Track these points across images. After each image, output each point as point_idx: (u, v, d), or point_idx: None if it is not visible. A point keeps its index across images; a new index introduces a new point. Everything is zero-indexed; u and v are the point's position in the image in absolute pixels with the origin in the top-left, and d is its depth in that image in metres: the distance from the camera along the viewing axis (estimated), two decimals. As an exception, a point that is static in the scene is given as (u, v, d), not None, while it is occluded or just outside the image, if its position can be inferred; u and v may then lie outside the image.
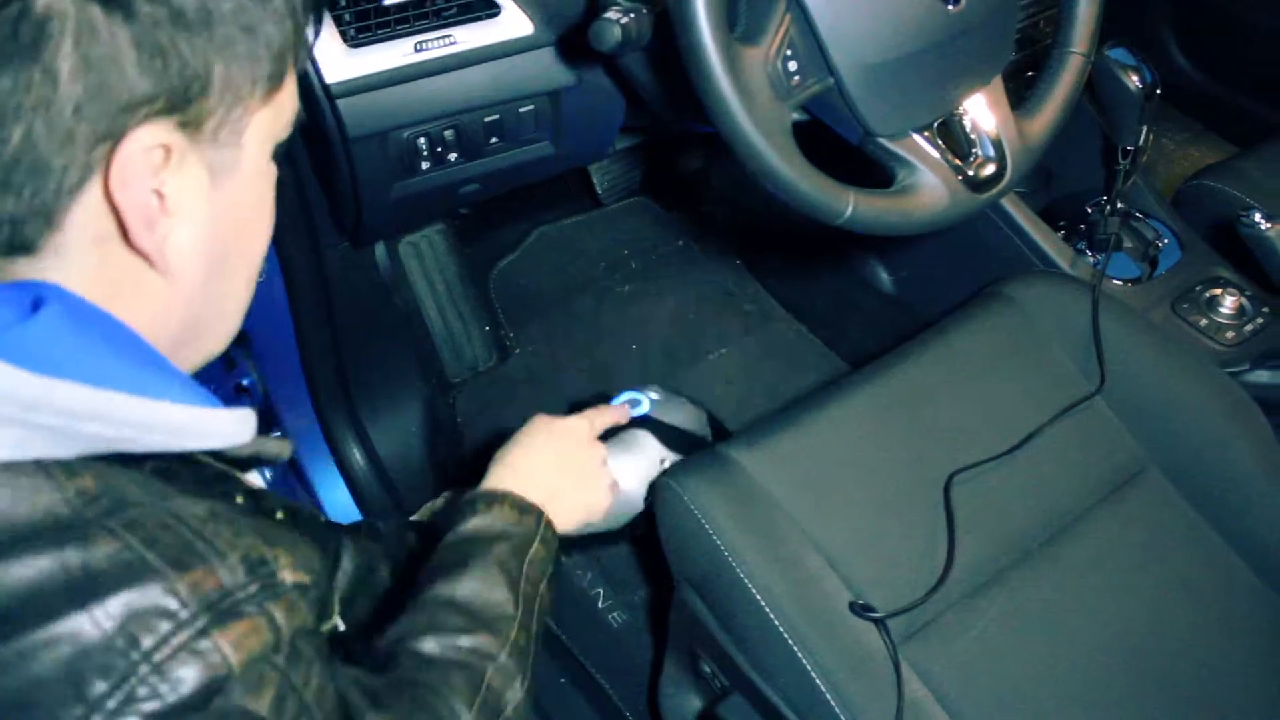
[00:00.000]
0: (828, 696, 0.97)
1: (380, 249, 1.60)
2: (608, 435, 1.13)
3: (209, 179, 0.54)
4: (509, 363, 1.82)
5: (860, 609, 1.01)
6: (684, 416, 1.23)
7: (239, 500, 0.58)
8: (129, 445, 0.49)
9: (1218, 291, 1.39)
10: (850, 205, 0.91)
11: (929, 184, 0.97)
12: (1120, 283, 1.42)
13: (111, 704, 0.44)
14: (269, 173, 0.60)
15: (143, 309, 0.55)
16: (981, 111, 1.00)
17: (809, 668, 0.98)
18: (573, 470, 0.99)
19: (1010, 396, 1.20)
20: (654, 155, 2.01)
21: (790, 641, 0.99)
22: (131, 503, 0.48)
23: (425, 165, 1.17)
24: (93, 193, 0.50)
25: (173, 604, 0.46)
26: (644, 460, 1.14)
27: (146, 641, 0.45)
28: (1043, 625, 1.06)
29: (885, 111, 0.94)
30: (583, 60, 1.14)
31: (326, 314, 1.40)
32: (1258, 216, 1.14)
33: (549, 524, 0.89)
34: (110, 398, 0.48)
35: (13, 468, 0.47)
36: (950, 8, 0.93)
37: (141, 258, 0.53)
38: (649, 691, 1.38)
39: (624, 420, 1.16)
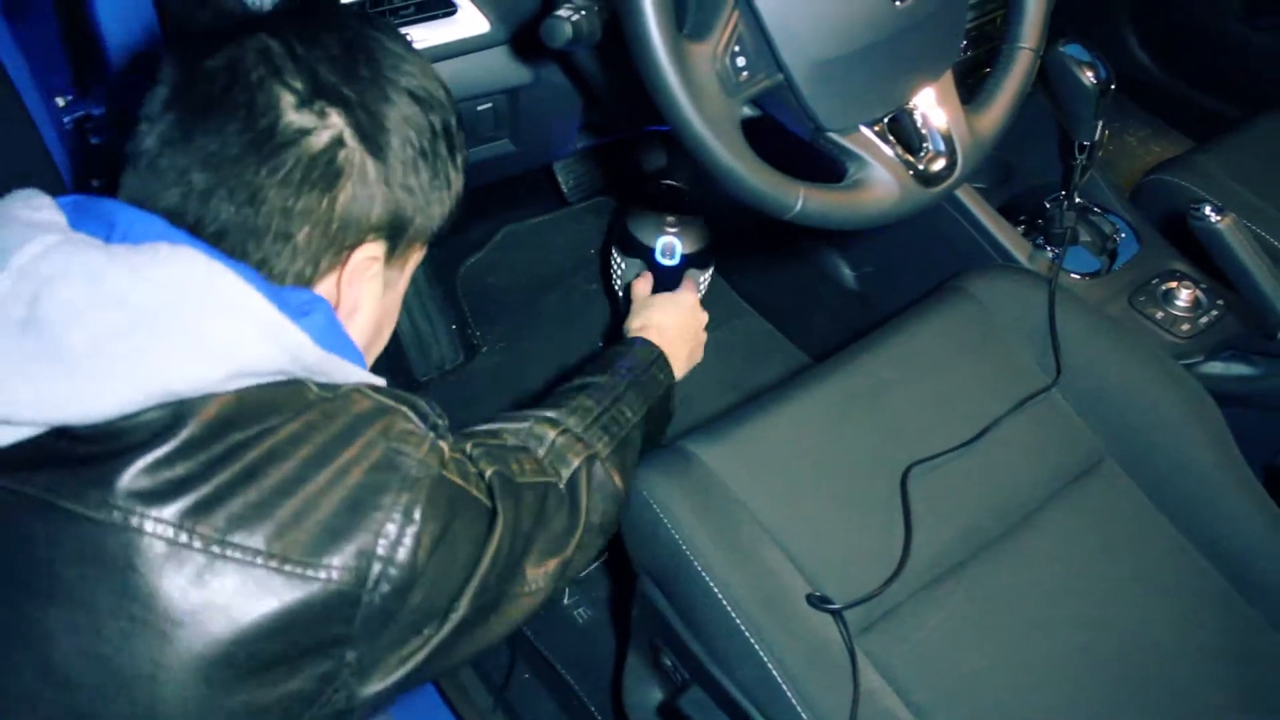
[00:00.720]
0: (784, 687, 0.98)
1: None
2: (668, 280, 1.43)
3: (383, 289, 0.77)
4: (476, 361, 1.83)
5: (817, 600, 1.02)
6: (697, 235, 1.51)
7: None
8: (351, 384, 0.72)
9: (1174, 285, 1.41)
10: (800, 199, 0.92)
11: (880, 178, 0.97)
12: (1079, 276, 1.43)
13: (404, 486, 0.68)
14: (404, 291, 0.84)
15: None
16: (932, 107, 1.01)
17: (766, 659, 0.99)
18: (694, 336, 1.26)
19: (968, 389, 1.21)
20: (618, 155, 2.01)
21: (747, 633, 0.99)
22: (349, 385, 0.70)
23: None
24: (330, 279, 0.73)
25: (413, 426, 0.71)
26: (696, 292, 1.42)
27: (410, 450, 0.69)
28: (999, 615, 1.07)
29: (835, 107, 0.94)
30: (539, 58, 1.14)
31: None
32: (1207, 209, 1.15)
33: (667, 361, 1.13)
34: (348, 367, 0.70)
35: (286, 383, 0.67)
36: (897, 4, 0.93)
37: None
38: (613, 686, 1.39)
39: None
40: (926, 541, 1.09)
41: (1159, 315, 1.39)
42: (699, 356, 1.27)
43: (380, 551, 0.65)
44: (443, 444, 0.73)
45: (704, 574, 1.02)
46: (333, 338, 0.70)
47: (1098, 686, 1.05)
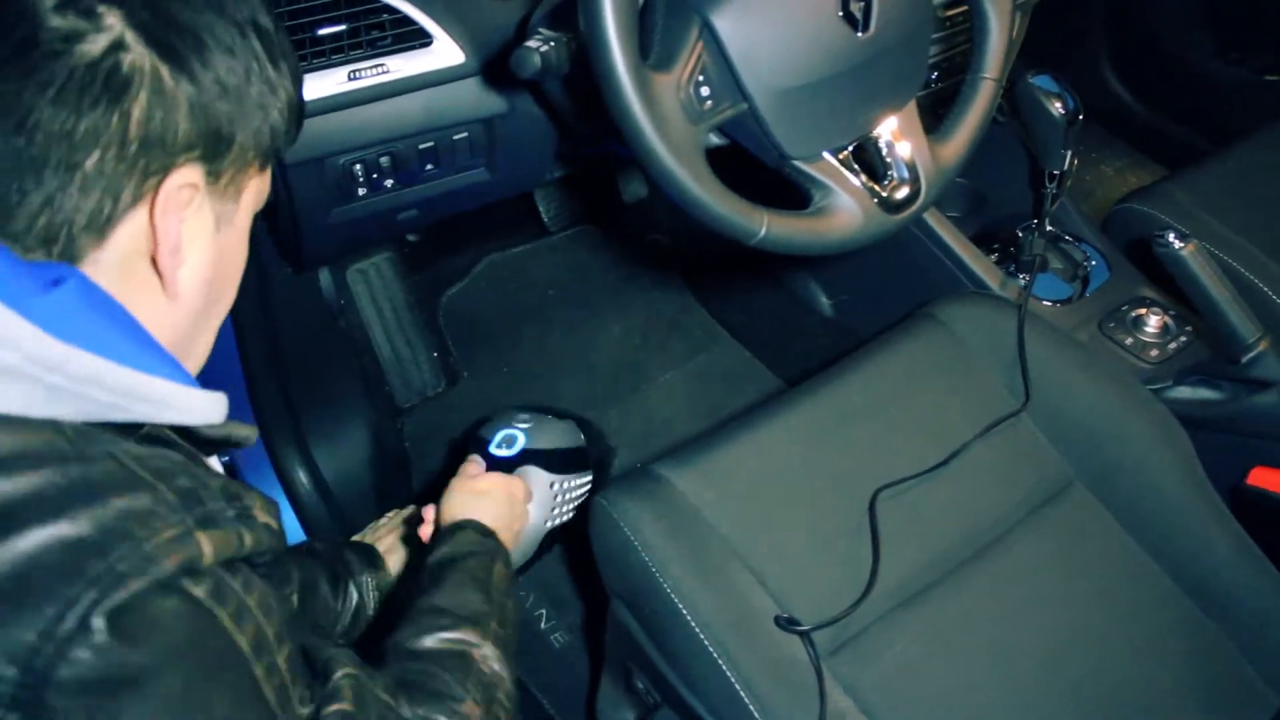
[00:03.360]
0: (752, 708, 0.98)
1: (325, 275, 1.62)
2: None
3: (214, 225, 0.67)
4: (457, 389, 1.84)
5: (785, 622, 1.03)
6: (557, 435, 1.35)
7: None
8: (119, 414, 0.57)
9: (1143, 311, 1.43)
10: (764, 226, 0.93)
11: (844, 205, 0.99)
12: (1050, 303, 1.45)
13: (104, 582, 0.51)
14: (248, 231, 0.73)
15: (146, 319, 0.63)
16: (896, 135, 1.03)
17: (734, 681, 0.99)
18: (514, 523, 1.14)
19: (938, 414, 1.22)
20: (599, 184, 2.04)
21: (715, 655, 1.00)
22: (123, 447, 0.56)
23: (362, 191, 1.19)
24: (137, 217, 0.62)
25: (162, 509, 0.54)
26: (538, 495, 1.28)
27: (139, 533, 0.53)
28: (967, 638, 1.08)
29: (799, 135, 0.96)
30: (513, 88, 1.16)
31: (271, 337, 1.41)
32: (1172, 236, 1.17)
33: (504, 546, 1.04)
34: (113, 368, 0.56)
35: (19, 420, 0.53)
36: (859, 35, 0.96)
37: (157, 277, 0.64)
38: (587, 709, 1.39)
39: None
40: (894, 564, 1.09)
41: (1128, 341, 1.41)
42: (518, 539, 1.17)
43: (38, 658, 0.49)
44: (204, 541, 0.55)
45: (673, 596, 1.02)
46: (93, 326, 0.57)
47: (1065, 708, 1.06)
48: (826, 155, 0.99)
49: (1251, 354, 1.20)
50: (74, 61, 0.57)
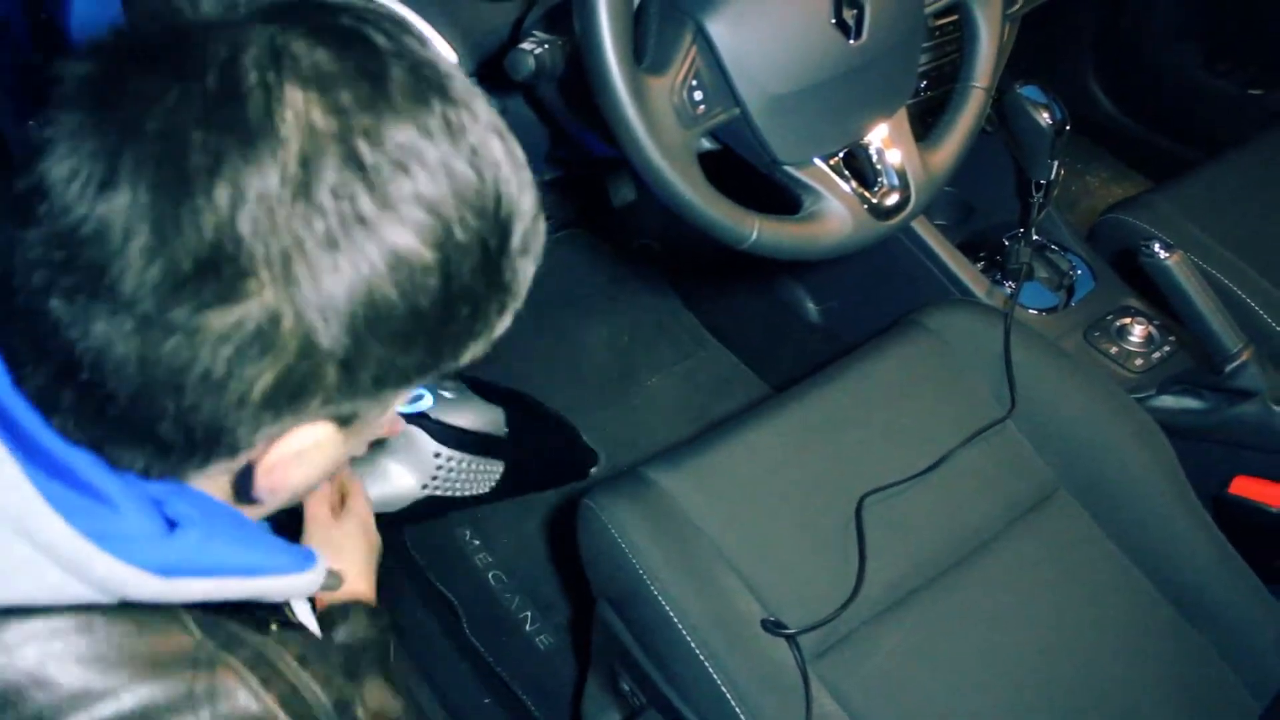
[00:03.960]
0: (738, 711, 0.99)
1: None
2: None
3: (344, 441, 0.57)
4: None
5: (772, 625, 1.04)
6: (470, 417, 1.29)
7: (273, 628, 0.61)
8: (234, 597, 0.55)
9: (1128, 321, 1.44)
10: (755, 230, 0.94)
11: (834, 211, 1.00)
12: (1036, 312, 1.46)
13: None
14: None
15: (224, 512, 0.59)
16: (887, 142, 1.04)
17: (720, 683, 1.00)
18: (366, 548, 0.98)
19: (924, 421, 1.23)
20: (588, 188, 2.04)
21: (703, 658, 1.01)
22: (240, 639, 0.55)
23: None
24: (241, 460, 0.54)
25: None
26: (415, 459, 1.22)
27: None
28: (952, 643, 1.09)
29: (790, 140, 0.97)
30: (506, 91, 1.16)
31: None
32: (1156, 246, 1.18)
33: (387, 616, 0.94)
34: (234, 583, 0.54)
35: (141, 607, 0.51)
36: (851, 42, 0.96)
37: (245, 498, 0.58)
38: (572, 711, 1.39)
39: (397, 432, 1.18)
40: (881, 569, 1.10)
41: (1113, 350, 1.42)
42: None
43: None
44: None
45: (660, 599, 1.03)
46: (207, 554, 0.53)
47: (1049, 713, 1.06)
48: (817, 161, 1.00)
49: (1234, 364, 1.21)
50: (212, 324, 0.46)
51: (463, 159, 0.50)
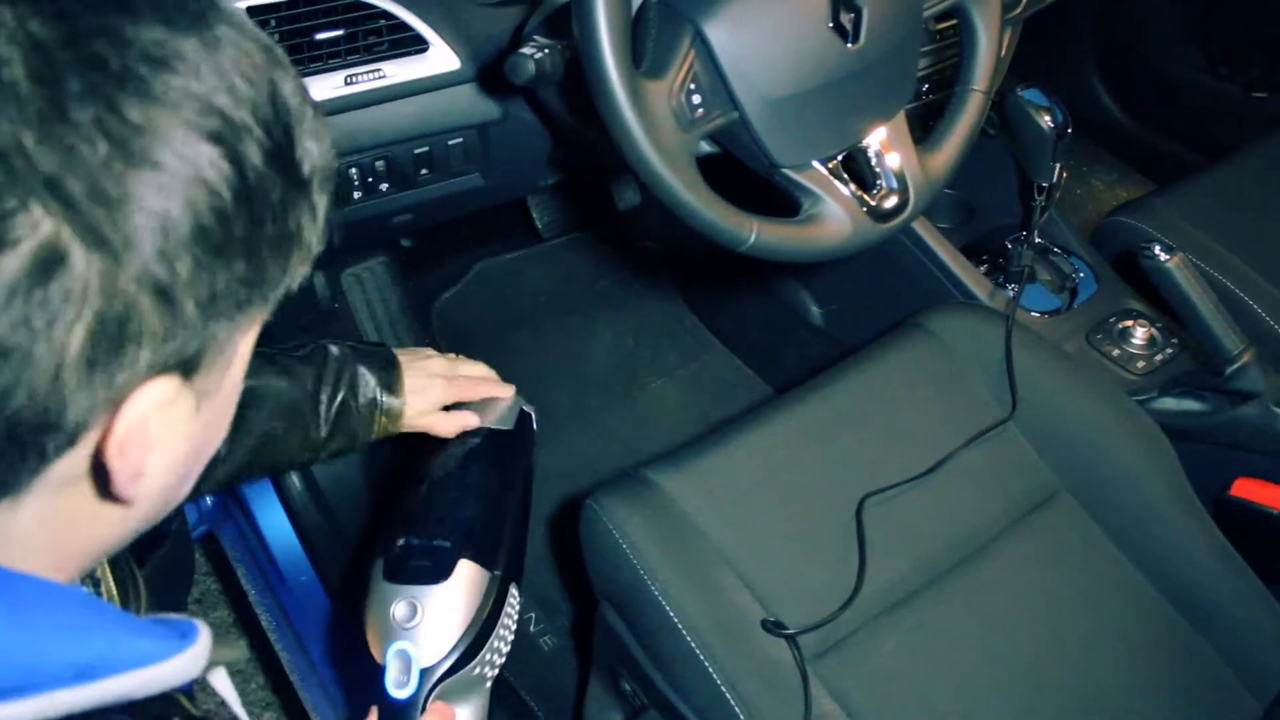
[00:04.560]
0: (738, 711, 0.99)
1: (321, 279, 1.63)
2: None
3: (194, 409, 0.49)
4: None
5: (772, 626, 1.04)
6: (452, 615, 0.93)
7: None
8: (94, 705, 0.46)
9: (1130, 323, 1.45)
10: (754, 233, 0.95)
11: (833, 214, 1.00)
12: (1038, 314, 1.47)
13: None
14: (245, 368, 0.55)
15: (98, 529, 0.51)
16: (885, 145, 1.04)
17: (720, 683, 1.00)
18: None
19: (925, 422, 1.23)
20: (593, 191, 2.05)
21: (703, 658, 1.01)
22: None
23: (357, 194, 1.21)
24: (81, 451, 0.46)
25: None
26: (473, 702, 0.97)
27: None
28: (952, 644, 1.09)
29: (789, 143, 0.98)
30: (508, 95, 1.17)
31: (264, 339, 1.42)
32: (1158, 249, 1.19)
33: None
34: (48, 701, 0.44)
35: None
36: (849, 46, 0.97)
37: (106, 500, 0.49)
38: (575, 712, 1.40)
39: None
40: (881, 570, 1.10)
41: (1115, 352, 1.42)
42: None
43: None
44: None
45: (661, 600, 1.03)
46: (14, 646, 0.44)
47: (1049, 714, 1.07)
48: (816, 164, 1.01)
49: (1235, 366, 1.22)
50: None
51: (223, 50, 0.45)
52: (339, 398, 0.99)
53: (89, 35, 0.40)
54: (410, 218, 1.30)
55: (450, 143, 1.20)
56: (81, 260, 0.40)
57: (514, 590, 0.98)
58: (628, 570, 1.06)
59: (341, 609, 1.45)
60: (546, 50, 0.96)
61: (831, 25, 0.96)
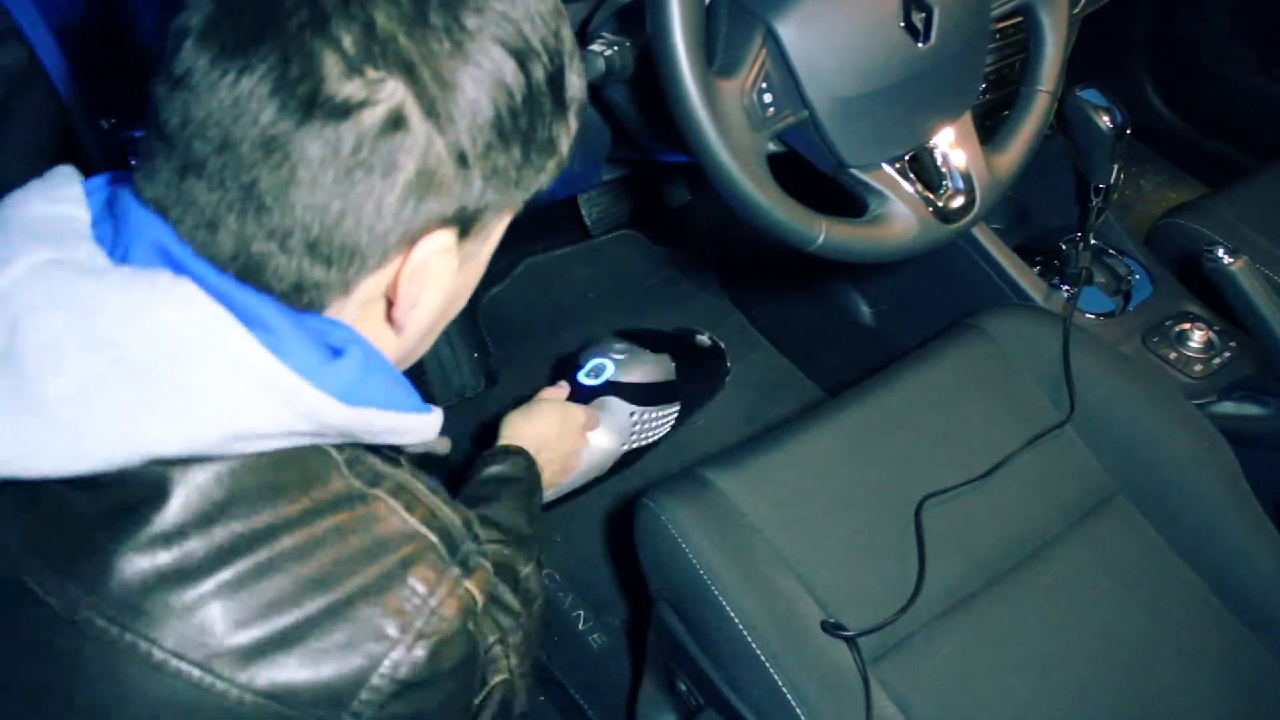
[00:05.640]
0: (799, 712, 0.99)
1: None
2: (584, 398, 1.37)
3: (458, 267, 0.64)
4: (496, 390, 1.85)
5: (832, 627, 1.04)
6: (647, 369, 1.46)
7: (403, 464, 0.71)
8: (370, 439, 0.63)
9: (1187, 326, 1.43)
10: (823, 233, 0.94)
11: (900, 214, 1.00)
12: (1093, 316, 1.45)
13: (406, 638, 0.60)
14: (492, 251, 0.71)
15: (381, 349, 0.66)
16: (951, 146, 1.04)
17: (781, 684, 1.00)
18: (565, 446, 1.25)
19: (982, 425, 1.22)
20: (642, 189, 2.05)
21: (763, 658, 1.01)
22: (381, 473, 0.64)
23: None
24: (383, 274, 0.61)
25: (437, 562, 0.63)
26: (615, 423, 1.38)
27: (422, 589, 0.62)
28: (1011, 647, 1.08)
29: (857, 143, 0.97)
30: (569, 92, 1.17)
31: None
32: (1221, 252, 1.18)
33: (539, 477, 1.13)
34: (382, 415, 0.61)
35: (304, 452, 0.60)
36: (920, 45, 0.97)
37: (389, 322, 0.66)
38: (627, 711, 1.40)
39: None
40: (939, 572, 1.10)
41: (1172, 356, 1.41)
42: (563, 480, 1.27)
43: (355, 705, 0.60)
44: (469, 585, 0.65)
45: (721, 599, 1.03)
46: (369, 385, 0.61)
47: (1106, 718, 1.06)
48: (883, 164, 1.00)
49: (1299, 371, 1.21)
50: (347, 133, 0.54)
51: None
52: None
53: None
54: (467, 215, 1.30)
55: (510, 141, 1.20)
56: (418, 123, 0.56)
57: (672, 417, 1.52)
58: (686, 569, 1.06)
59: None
60: (616, 47, 0.96)
61: (903, 25, 0.96)
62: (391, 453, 0.68)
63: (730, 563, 1.06)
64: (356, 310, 0.63)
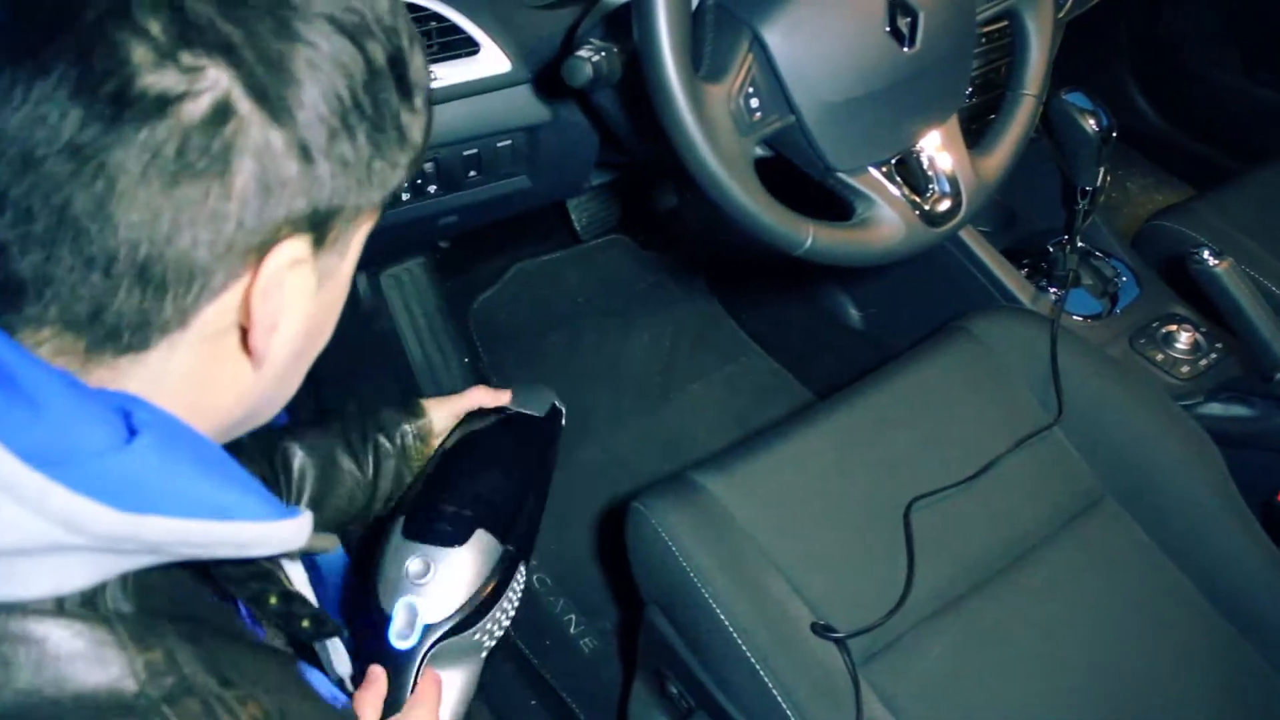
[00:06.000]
0: (789, 714, 0.99)
1: (361, 279, 1.64)
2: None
3: (316, 285, 0.56)
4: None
5: (821, 629, 1.04)
6: (462, 579, 0.97)
7: (272, 602, 0.61)
8: (197, 556, 0.52)
9: (1174, 328, 1.44)
10: (810, 236, 0.95)
11: (886, 217, 1.00)
12: (1081, 318, 1.46)
13: None
14: (352, 273, 0.62)
15: (227, 396, 0.57)
16: (938, 149, 1.04)
17: (771, 686, 1.00)
18: None
19: (970, 427, 1.23)
20: (631, 194, 2.05)
21: (753, 661, 1.01)
22: (189, 686, 0.50)
23: (405, 196, 1.21)
24: (229, 295, 0.52)
25: None
26: (465, 661, 0.99)
27: None
28: (999, 649, 1.09)
29: (844, 148, 0.98)
30: (558, 97, 1.18)
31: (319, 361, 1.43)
32: (1206, 254, 1.18)
33: None
34: (192, 527, 0.49)
35: (89, 621, 0.48)
36: (905, 50, 0.97)
37: (243, 348, 0.56)
38: (618, 714, 1.40)
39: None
40: (929, 574, 1.10)
41: (1159, 357, 1.41)
42: None
43: None
44: None
45: (711, 602, 1.03)
46: (169, 474, 0.49)
47: (1095, 718, 1.07)
48: (870, 168, 1.01)
49: (1284, 371, 1.21)
50: (167, 129, 0.46)
51: None
52: (369, 439, 1.04)
53: None
54: (455, 219, 1.30)
55: (499, 145, 1.21)
56: (248, 112, 0.48)
57: (522, 569, 1.01)
58: (676, 573, 1.06)
59: (357, 562, 1.45)
60: (603, 53, 0.96)
61: (888, 30, 0.96)
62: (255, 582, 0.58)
63: (721, 566, 1.06)
64: (197, 347, 0.54)
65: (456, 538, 0.96)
